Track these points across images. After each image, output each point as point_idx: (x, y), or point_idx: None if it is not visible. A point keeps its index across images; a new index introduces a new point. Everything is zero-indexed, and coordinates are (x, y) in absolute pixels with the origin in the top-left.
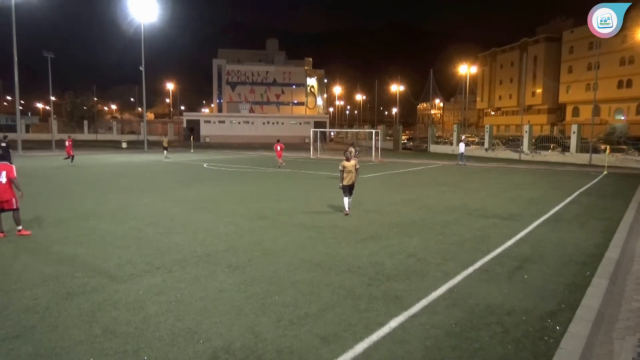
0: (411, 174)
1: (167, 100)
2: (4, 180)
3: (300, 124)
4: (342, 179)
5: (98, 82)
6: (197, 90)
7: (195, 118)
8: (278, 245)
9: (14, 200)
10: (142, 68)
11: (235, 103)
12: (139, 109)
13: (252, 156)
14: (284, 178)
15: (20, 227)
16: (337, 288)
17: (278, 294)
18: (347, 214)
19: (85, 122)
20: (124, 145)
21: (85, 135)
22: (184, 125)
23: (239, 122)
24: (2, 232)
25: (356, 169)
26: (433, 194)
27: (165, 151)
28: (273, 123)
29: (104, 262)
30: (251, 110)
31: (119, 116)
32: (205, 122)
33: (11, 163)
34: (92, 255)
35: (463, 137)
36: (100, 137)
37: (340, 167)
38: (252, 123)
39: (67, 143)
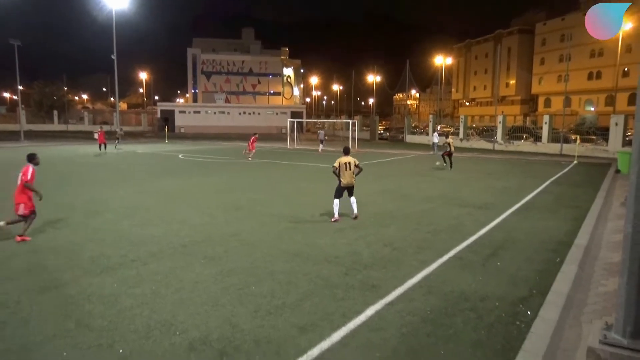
0: (388, 164)
1: (141, 90)
2: None
3: (277, 114)
4: (339, 178)
5: (68, 71)
6: (172, 80)
7: (170, 108)
8: (255, 236)
9: None
10: (114, 57)
11: (210, 93)
12: (112, 98)
13: (229, 147)
14: (260, 169)
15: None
16: (314, 278)
17: (255, 285)
18: (336, 220)
19: (55, 112)
20: (96, 136)
21: (56, 126)
22: (158, 115)
23: (215, 113)
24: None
25: (356, 166)
26: (409, 183)
27: (117, 141)
28: (249, 113)
29: (77, 255)
30: (227, 101)
31: (90, 106)
32: (180, 112)
33: None
34: (64, 249)
35: (438, 127)
36: (72, 127)
37: (335, 164)
38: (228, 113)
39: (95, 135)
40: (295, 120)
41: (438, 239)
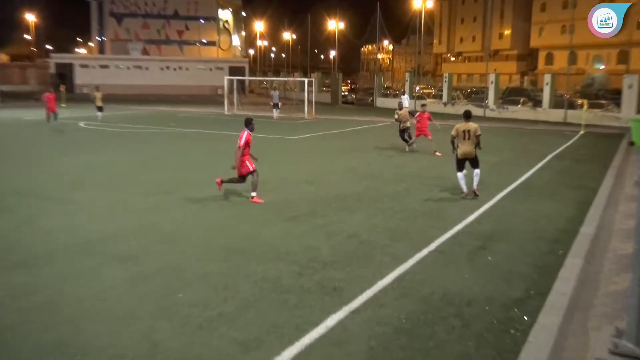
0: (354, 135)
1: (27, 37)
2: None
3: (210, 69)
4: (456, 148)
5: None
6: (70, 24)
7: (68, 61)
8: (184, 227)
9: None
10: None
11: (122, 42)
12: None
13: (147, 112)
14: (191, 141)
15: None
16: (259, 280)
17: (183, 291)
18: (465, 196)
19: None
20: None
21: None
22: (52, 70)
23: (129, 68)
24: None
25: (477, 136)
26: (380, 159)
27: (99, 112)
28: (175, 69)
29: None
30: (145, 52)
31: None
32: (82, 66)
33: None
34: None
35: (417, 88)
36: None
37: (453, 132)
38: (147, 69)
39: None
40: (235, 77)
41: (415, 228)
